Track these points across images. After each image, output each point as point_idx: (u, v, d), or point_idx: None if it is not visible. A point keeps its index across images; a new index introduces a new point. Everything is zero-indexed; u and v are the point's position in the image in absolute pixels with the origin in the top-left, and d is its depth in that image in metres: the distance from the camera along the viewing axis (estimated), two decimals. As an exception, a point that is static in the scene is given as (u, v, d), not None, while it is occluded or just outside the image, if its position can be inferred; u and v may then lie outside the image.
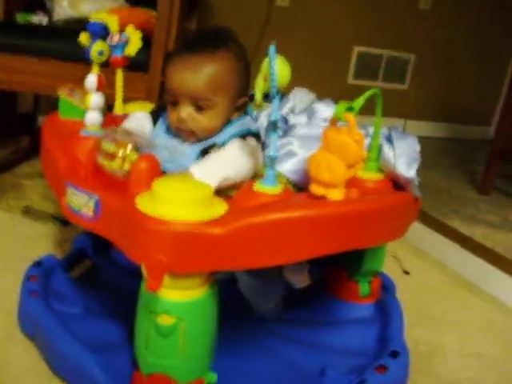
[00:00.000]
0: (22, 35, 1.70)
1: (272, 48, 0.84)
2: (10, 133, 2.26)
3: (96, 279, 1.31)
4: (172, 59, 1.05)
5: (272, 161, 0.89)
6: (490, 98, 4.02)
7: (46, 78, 1.64)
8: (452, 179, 2.89)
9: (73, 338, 1.00)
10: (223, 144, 1.02)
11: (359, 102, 0.90)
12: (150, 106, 1.24)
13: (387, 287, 1.34)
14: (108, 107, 1.21)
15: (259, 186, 0.90)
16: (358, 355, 1.12)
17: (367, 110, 0.99)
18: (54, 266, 1.25)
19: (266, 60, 0.87)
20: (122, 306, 1.04)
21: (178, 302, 0.86)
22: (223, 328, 0.95)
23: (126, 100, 1.30)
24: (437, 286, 1.63)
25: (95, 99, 1.09)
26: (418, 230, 1.78)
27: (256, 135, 1.08)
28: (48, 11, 1.89)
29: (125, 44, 1.20)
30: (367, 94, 0.94)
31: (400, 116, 3.38)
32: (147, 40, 1.45)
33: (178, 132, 1.06)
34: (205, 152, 1.02)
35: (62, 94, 1.23)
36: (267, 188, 0.89)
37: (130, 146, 0.92)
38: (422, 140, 1.11)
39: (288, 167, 1.02)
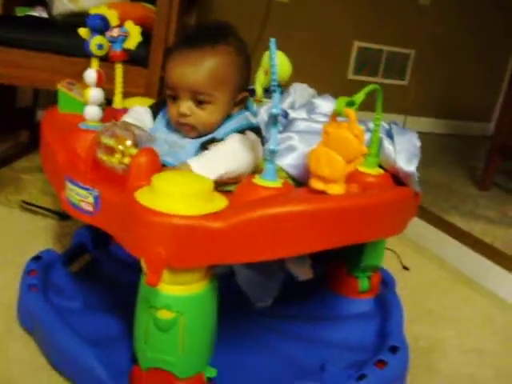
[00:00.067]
0: (22, 29, 1.69)
1: (273, 42, 0.84)
2: (9, 127, 2.26)
3: (95, 273, 1.30)
4: (172, 54, 1.05)
5: (272, 155, 0.89)
6: (490, 94, 4.02)
7: (45, 73, 1.63)
8: (452, 175, 2.89)
9: (72, 333, 1.00)
10: (223, 138, 1.02)
11: (360, 97, 0.90)
12: (150, 101, 1.24)
13: (387, 282, 1.34)
14: (107, 102, 1.21)
15: (259, 181, 0.90)
16: (358, 350, 1.12)
17: (367, 106, 0.98)
18: (53, 260, 1.25)
19: (267, 54, 0.87)
20: (122, 300, 1.04)
21: (177, 297, 0.86)
22: (222, 323, 0.95)
23: (126, 95, 1.30)
24: (436, 282, 1.63)
25: (94, 94, 1.09)
26: (417, 226, 1.78)
27: (256, 129, 1.08)
28: (47, 5, 1.89)
29: (124, 38, 1.20)
30: (367, 88, 0.94)
31: (400, 112, 3.38)
32: (147, 35, 1.44)
33: (178, 127, 1.05)
34: (204, 146, 1.02)
35: (62, 88, 1.22)
36: (267, 182, 0.89)
37: (129, 141, 0.92)
38: (422, 136, 1.11)
39: (288, 162, 1.02)
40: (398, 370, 1.05)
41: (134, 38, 1.21)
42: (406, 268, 1.65)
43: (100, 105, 1.10)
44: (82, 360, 0.96)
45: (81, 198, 0.92)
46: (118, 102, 1.28)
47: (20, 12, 1.88)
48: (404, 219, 1.08)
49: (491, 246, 1.90)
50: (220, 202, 0.85)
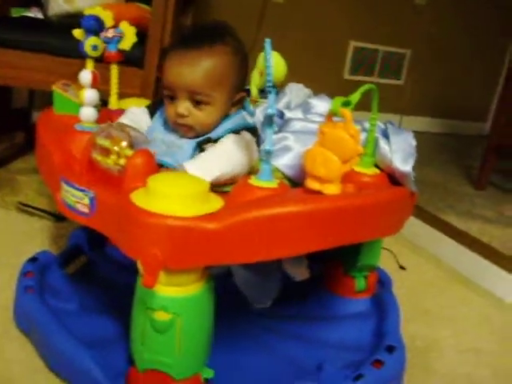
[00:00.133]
0: (17, 30, 1.69)
1: (268, 42, 0.84)
2: (4, 128, 2.25)
3: (91, 275, 1.30)
4: (169, 54, 1.04)
5: (268, 155, 0.88)
6: (486, 93, 4.03)
7: (40, 74, 1.63)
8: (448, 174, 2.89)
9: (68, 334, 1.00)
10: (218, 139, 1.02)
11: (355, 97, 0.90)
12: (146, 102, 1.24)
13: (383, 282, 1.34)
14: (103, 103, 1.20)
15: (255, 181, 0.90)
16: (355, 350, 1.12)
17: (363, 106, 0.98)
18: (49, 261, 1.25)
19: (262, 55, 0.87)
20: (118, 301, 1.04)
21: (174, 298, 0.86)
22: (219, 323, 0.95)
23: (122, 96, 1.30)
24: (433, 282, 1.63)
25: (89, 95, 1.08)
26: (413, 225, 1.78)
27: (252, 129, 1.07)
28: (43, 6, 1.88)
29: (119, 39, 1.20)
30: (363, 88, 0.94)
31: (396, 111, 3.39)
32: (142, 36, 1.44)
33: (176, 127, 1.05)
34: (200, 146, 1.02)
35: (57, 89, 1.22)
36: (263, 183, 0.89)
37: (125, 142, 0.91)
38: (418, 135, 1.11)
39: (284, 162, 1.02)
40: (395, 370, 1.05)
41: (129, 38, 1.21)
42: (402, 268, 1.65)
43: (95, 106, 1.10)
44: (79, 362, 0.95)
45: (76, 199, 0.92)
46: (113, 103, 1.28)
47: (15, 13, 1.87)
48: (400, 219, 1.08)
49: (488, 246, 1.90)
50: (216, 203, 0.85)
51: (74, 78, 1.15)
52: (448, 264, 1.74)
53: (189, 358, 0.90)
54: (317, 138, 0.89)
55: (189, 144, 1.03)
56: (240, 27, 1.10)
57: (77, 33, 1.13)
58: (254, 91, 1.28)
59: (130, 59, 1.46)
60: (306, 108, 1.20)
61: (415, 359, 1.19)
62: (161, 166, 0.98)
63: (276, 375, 1.04)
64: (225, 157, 0.97)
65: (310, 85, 1.34)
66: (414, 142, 1.07)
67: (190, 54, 1.01)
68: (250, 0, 3.13)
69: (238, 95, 1.07)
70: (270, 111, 0.86)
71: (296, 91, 1.30)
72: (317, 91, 1.30)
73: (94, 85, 1.09)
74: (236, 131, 1.04)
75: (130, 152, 0.90)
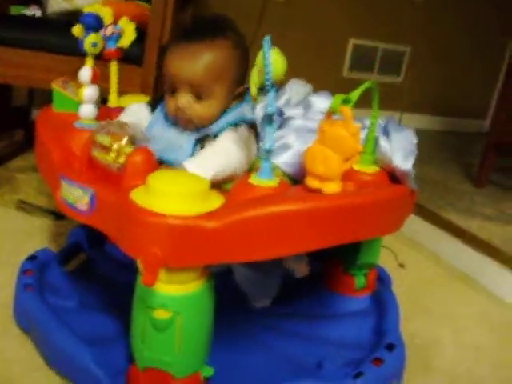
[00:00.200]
0: (16, 28, 1.69)
1: (267, 40, 0.84)
2: (4, 126, 2.25)
3: (91, 273, 1.30)
4: (170, 47, 1.05)
5: (268, 154, 0.88)
6: (486, 91, 4.03)
7: (40, 72, 1.63)
8: (448, 172, 2.89)
9: (68, 332, 1.00)
10: (217, 135, 1.02)
11: (356, 94, 0.89)
12: (145, 99, 1.23)
13: (383, 280, 1.34)
14: (102, 100, 1.20)
15: (255, 179, 0.89)
16: (355, 348, 1.12)
17: (363, 103, 0.98)
18: (49, 259, 1.25)
19: (261, 53, 0.87)
20: (118, 299, 1.04)
21: (174, 296, 0.86)
22: (219, 321, 0.95)
23: (121, 93, 1.29)
24: (432, 279, 1.63)
25: (89, 92, 1.08)
26: (413, 223, 1.78)
27: (251, 123, 1.07)
28: (42, 4, 1.88)
29: (119, 36, 1.19)
30: (364, 86, 0.94)
31: (395, 109, 3.38)
32: (141, 33, 1.44)
33: (176, 120, 1.05)
34: (200, 141, 1.02)
35: (56, 86, 1.22)
36: (263, 181, 0.89)
37: (124, 139, 0.91)
38: (418, 133, 1.11)
39: (284, 160, 1.02)
40: (395, 368, 1.05)
41: (129, 35, 1.20)
42: (402, 266, 1.65)
43: (95, 102, 1.10)
44: (79, 359, 0.95)
45: (76, 197, 0.91)
46: (113, 100, 1.27)
47: (15, 11, 1.87)
48: (400, 217, 1.08)
49: (488, 243, 1.89)
50: (216, 201, 0.84)
51: (73, 76, 1.15)
52: (448, 261, 1.75)
53: (189, 357, 0.90)
54: (317, 135, 0.89)
55: (188, 139, 1.03)
56: (240, 25, 1.10)
57: (76, 30, 1.13)
58: (254, 89, 1.28)
59: (130, 57, 1.45)
60: (306, 105, 1.20)
61: (415, 357, 1.18)
62: (161, 162, 0.98)
63: (276, 373, 1.04)
64: (223, 154, 0.97)
65: (309, 82, 1.33)
66: (414, 140, 1.07)
67: (191, 47, 1.01)
68: (250, -2, 3.13)
69: (239, 89, 1.07)
70: (269, 110, 0.86)
71: (296, 88, 1.29)
72: (316, 89, 1.30)
73: (94, 81, 1.09)
74: (236, 125, 1.03)
75: (129, 149, 0.90)
